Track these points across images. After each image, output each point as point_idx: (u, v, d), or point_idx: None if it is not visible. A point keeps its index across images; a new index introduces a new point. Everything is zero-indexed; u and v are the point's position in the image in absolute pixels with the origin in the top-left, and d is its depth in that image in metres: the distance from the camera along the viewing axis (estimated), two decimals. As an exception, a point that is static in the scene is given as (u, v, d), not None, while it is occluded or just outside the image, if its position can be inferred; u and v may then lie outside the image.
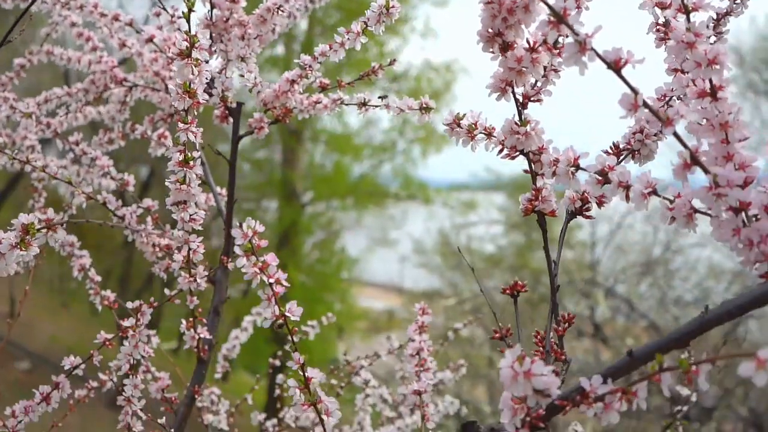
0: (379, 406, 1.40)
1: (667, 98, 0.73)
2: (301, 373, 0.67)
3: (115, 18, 1.15)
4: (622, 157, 0.72)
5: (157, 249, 1.05)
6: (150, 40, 1.09)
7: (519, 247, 10.70)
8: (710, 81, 0.56)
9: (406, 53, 11.76)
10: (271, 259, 0.65)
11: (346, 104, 1.00)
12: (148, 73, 1.19)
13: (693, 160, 0.54)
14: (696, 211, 0.57)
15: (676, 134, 0.53)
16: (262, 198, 11.96)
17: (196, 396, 1.02)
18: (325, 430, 0.67)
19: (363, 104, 0.97)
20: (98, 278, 1.13)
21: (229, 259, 1.00)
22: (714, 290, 6.99)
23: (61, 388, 0.95)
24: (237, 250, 0.64)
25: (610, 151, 0.72)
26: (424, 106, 0.87)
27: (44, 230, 0.68)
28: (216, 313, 1.05)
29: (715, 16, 0.78)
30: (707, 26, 0.77)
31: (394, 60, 1.04)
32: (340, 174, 11.90)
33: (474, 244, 10.59)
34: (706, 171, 0.53)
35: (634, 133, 0.72)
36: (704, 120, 0.58)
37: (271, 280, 0.65)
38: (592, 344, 6.86)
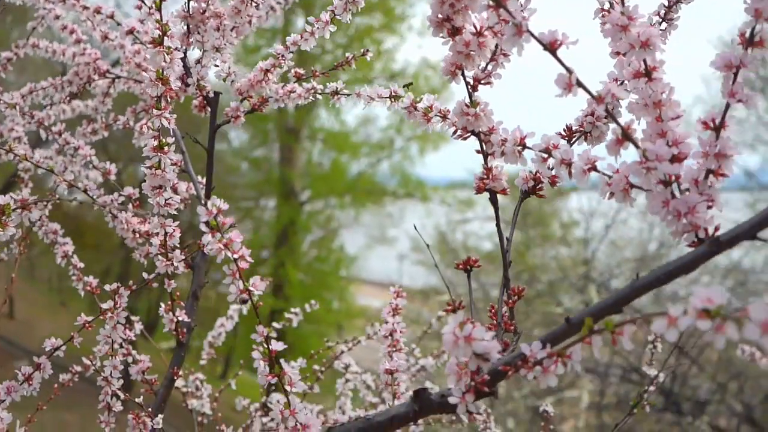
0: (362, 392, 1.43)
1: (619, 82, 0.76)
2: (266, 346, 0.70)
3: (97, 11, 1.17)
4: (574, 139, 0.75)
5: (137, 235, 1.08)
6: (130, 32, 1.12)
7: (516, 245, 10.75)
8: (644, 62, 0.59)
9: (404, 51, 11.79)
10: (236, 236, 0.68)
11: (320, 93, 1.03)
12: (131, 65, 1.22)
13: (625, 135, 0.57)
14: (632, 186, 0.60)
15: (607, 111, 0.56)
16: (261, 196, 11.99)
17: (175, 377, 1.05)
18: (288, 400, 0.70)
19: (335, 93, 1.01)
20: (81, 264, 1.16)
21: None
22: (707, 285, 7.02)
23: (42, 369, 0.98)
24: (202, 227, 0.67)
25: (563, 133, 0.75)
26: (393, 94, 0.89)
27: (19, 210, 0.71)
28: (194, 298, 1.08)
29: (666, 3, 0.81)
30: (658, 13, 0.81)
31: (368, 50, 1.07)
32: (338, 172, 11.93)
33: (471, 241, 10.61)
34: (637, 146, 0.56)
35: (585, 116, 0.75)
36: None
37: (236, 256, 0.68)
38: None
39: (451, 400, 0.59)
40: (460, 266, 0.72)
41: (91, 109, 1.29)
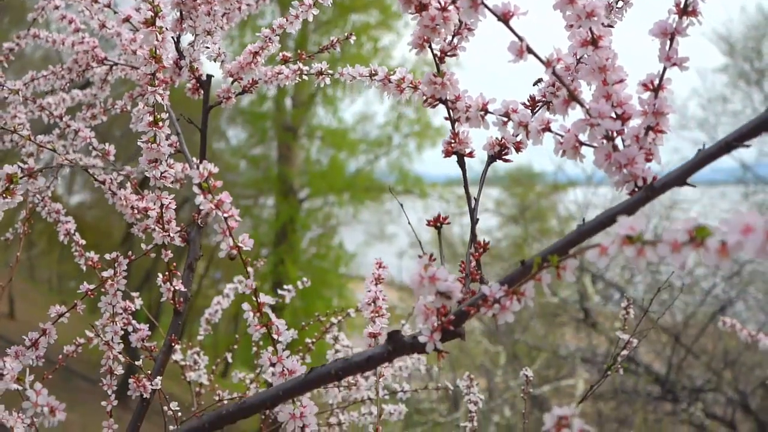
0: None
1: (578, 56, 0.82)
2: (254, 299, 0.77)
3: (95, 0, 1.24)
4: (537, 107, 0.82)
5: (136, 211, 1.15)
6: (127, 19, 1.18)
7: (515, 239, 10.83)
8: (591, 31, 0.65)
9: (400, 48, 11.85)
10: (226, 197, 0.75)
11: (306, 74, 1.09)
12: (127, 52, 1.28)
13: (571, 96, 0.63)
14: (581, 143, 0.66)
15: (555, 74, 0.63)
16: (260, 195, 12.06)
17: (173, 344, 1.11)
18: (276, 349, 0.76)
19: (320, 73, 1.07)
20: (83, 241, 1.22)
21: (200, 216, 1.09)
22: (702, 276, 7.12)
23: (48, 334, 1.04)
24: (195, 188, 0.73)
25: (527, 102, 0.81)
26: (372, 72, 0.96)
27: (25, 178, 0.78)
28: (190, 269, 1.15)
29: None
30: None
31: (351, 34, 1.13)
32: (336, 170, 11.99)
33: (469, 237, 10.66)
34: (582, 105, 0.63)
35: (548, 87, 0.82)
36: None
37: (226, 215, 0.74)
38: (585, 333, 6.97)
39: (421, 339, 0.65)
40: (431, 223, 0.78)
41: (90, 95, 1.35)
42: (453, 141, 0.75)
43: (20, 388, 0.74)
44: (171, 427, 1.07)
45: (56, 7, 1.33)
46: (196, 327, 1.81)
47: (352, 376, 1.34)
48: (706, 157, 0.57)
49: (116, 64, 1.33)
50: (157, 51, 0.82)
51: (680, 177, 0.58)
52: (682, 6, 0.63)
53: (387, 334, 0.69)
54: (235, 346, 1.65)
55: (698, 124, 8.93)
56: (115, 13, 1.22)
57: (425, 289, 0.61)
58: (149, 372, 1.08)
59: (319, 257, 12.11)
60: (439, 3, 0.69)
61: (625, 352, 1.20)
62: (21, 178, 0.77)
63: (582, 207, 7.50)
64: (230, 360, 1.54)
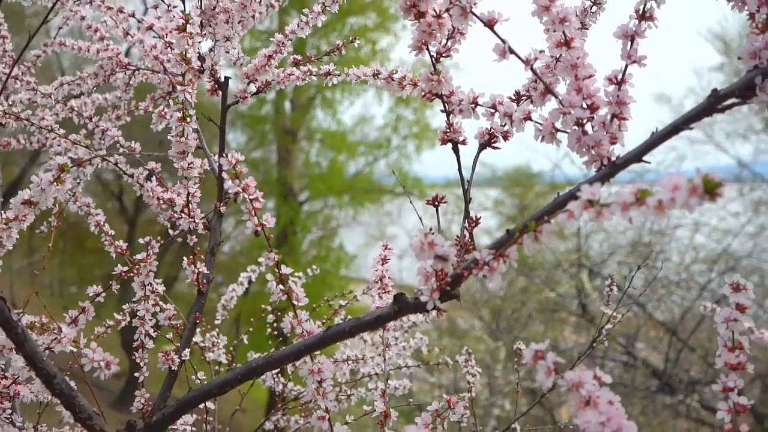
0: (360, 347, 1.61)
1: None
2: (277, 270, 0.88)
3: (120, 10, 1.35)
4: (522, 101, 0.93)
5: (161, 202, 1.26)
6: (150, 28, 1.30)
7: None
8: (564, 34, 0.77)
9: (398, 51, 11.98)
10: (251, 181, 0.86)
11: (315, 75, 1.21)
12: (149, 58, 1.40)
13: (547, 89, 0.74)
14: (557, 129, 0.77)
15: (533, 70, 0.74)
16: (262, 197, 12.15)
17: (198, 321, 1.23)
18: (296, 314, 0.88)
19: (328, 74, 1.18)
20: (112, 232, 1.34)
21: (222, 204, 1.21)
22: (698, 271, 7.24)
23: (86, 312, 1.15)
24: (224, 174, 0.84)
25: (513, 96, 0.93)
26: (375, 72, 1.07)
27: (75, 167, 0.89)
28: (212, 254, 1.26)
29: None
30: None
31: (355, 38, 1.25)
32: (336, 172, 12.10)
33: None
34: (556, 97, 0.74)
35: (530, 82, 0.93)
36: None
37: (252, 197, 0.85)
38: (584, 330, 7.08)
39: (422, 298, 0.77)
40: (429, 202, 0.90)
41: (115, 98, 1.47)
42: (448, 130, 0.87)
43: (75, 349, 0.85)
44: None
45: (83, 18, 1.44)
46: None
47: (360, 354, 1.45)
48: (659, 137, 0.69)
49: (138, 68, 1.45)
50: (187, 54, 0.94)
51: (637, 155, 0.70)
52: (641, 12, 0.74)
53: (393, 297, 0.80)
54: (242, 339, 1.77)
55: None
56: (139, 22, 1.33)
57: (425, 253, 0.73)
58: (176, 346, 1.19)
59: (319, 259, 12.20)
60: (435, 11, 0.81)
61: (609, 326, 1.32)
62: (71, 167, 0.88)
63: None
64: (246, 341, 1.65)
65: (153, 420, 0.82)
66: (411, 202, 1.21)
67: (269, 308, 1.60)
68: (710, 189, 0.49)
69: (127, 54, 1.73)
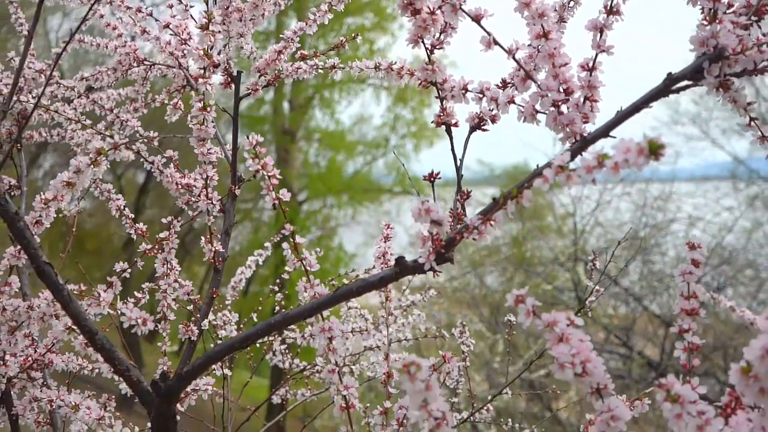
0: (358, 324, 1.72)
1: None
2: (292, 240, 0.99)
3: (138, 10, 1.46)
4: (507, 87, 1.04)
5: (179, 186, 1.37)
6: (166, 26, 1.41)
7: (514, 238, 11.06)
8: (542, 27, 0.88)
9: (396, 50, 12.10)
10: (269, 160, 0.97)
11: (321, 68, 1.32)
12: (165, 54, 1.50)
13: (527, 75, 0.85)
14: (537, 111, 0.88)
15: (515, 59, 0.85)
16: (259, 198, 12.28)
17: (214, 296, 1.34)
18: (309, 279, 0.99)
19: (333, 67, 1.30)
20: (132, 215, 1.44)
21: (236, 188, 1.32)
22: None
23: (114, 286, 1.26)
24: (245, 154, 0.95)
25: (499, 84, 1.04)
26: (377, 65, 1.18)
27: (112, 150, 1.00)
28: (227, 234, 1.37)
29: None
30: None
31: (357, 34, 1.36)
32: (334, 171, 12.21)
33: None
34: (535, 82, 0.85)
35: (515, 71, 1.04)
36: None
37: (270, 174, 0.96)
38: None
39: (420, 260, 0.88)
40: (426, 178, 1.01)
41: (133, 91, 1.57)
42: (442, 114, 0.98)
43: (114, 312, 0.95)
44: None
45: (102, 16, 1.55)
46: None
47: (364, 325, 1.56)
48: (623, 115, 0.80)
49: (154, 64, 1.56)
50: (210, 50, 1.05)
51: (604, 132, 0.80)
52: (608, 7, 0.85)
53: (395, 260, 0.91)
54: (252, 317, 1.88)
55: (691, 119, 9.17)
56: (156, 21, 1.44)
57: (422, 218, 0.83)
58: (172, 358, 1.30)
59: (319, 259, 12.23)
60: (429, 8, 0.92)
61: (593, 298, 1.43)
62: (108, 150, 0.99)
63: (575, 200, 7.74)
64: (256, 319, 1.76)
65: (184, 371, 0.92)
66: (417, 193, 1.31)
67: (276, 288, 1.71)
68: (654, 149, 0.60)
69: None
